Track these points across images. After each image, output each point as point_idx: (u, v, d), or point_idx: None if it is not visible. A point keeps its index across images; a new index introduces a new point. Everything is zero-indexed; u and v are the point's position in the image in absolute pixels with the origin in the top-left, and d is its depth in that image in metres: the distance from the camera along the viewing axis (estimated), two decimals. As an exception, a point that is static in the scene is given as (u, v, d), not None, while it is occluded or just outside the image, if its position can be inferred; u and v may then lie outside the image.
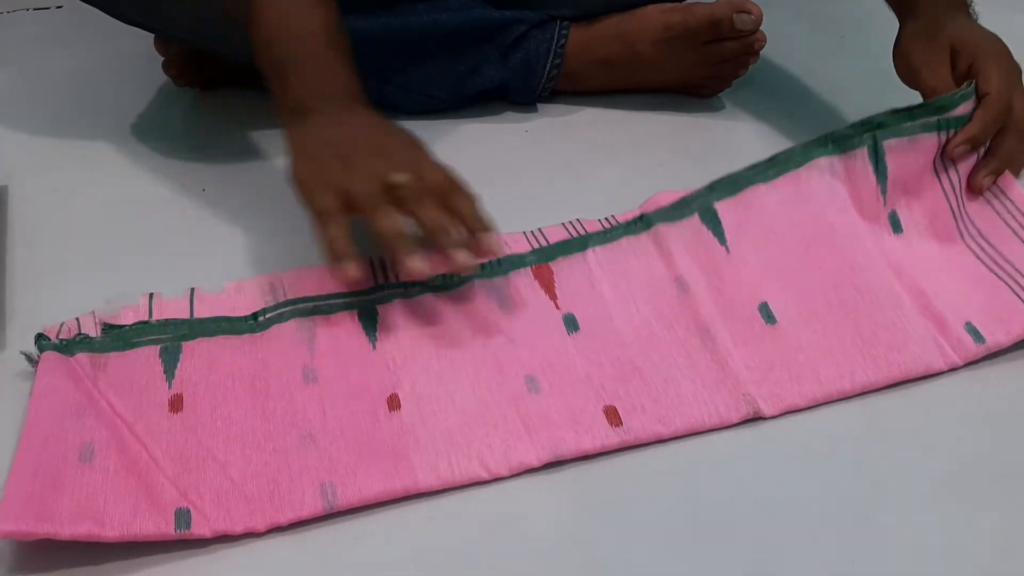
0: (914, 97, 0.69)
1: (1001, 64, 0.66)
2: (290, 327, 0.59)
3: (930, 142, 0.65)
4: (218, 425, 0.54)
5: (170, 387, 0.56)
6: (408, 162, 0.59)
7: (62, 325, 0.59)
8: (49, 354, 0.56)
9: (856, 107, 0.79)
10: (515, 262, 0.64)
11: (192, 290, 0.63)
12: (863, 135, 0.65)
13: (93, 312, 0.60)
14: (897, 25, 0.73)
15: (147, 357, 0.58)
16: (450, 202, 0.57)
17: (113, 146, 0.82)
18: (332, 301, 0.61)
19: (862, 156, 0.65)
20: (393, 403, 0.56)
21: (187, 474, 0.51)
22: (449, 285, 0.62)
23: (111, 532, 0.48)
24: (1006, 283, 0.62)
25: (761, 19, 0.80)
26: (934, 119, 0.65)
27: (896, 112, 0.65)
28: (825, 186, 0.65)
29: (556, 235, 0.66)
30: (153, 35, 0.84)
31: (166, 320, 0.60)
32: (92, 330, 0.59)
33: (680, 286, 0.62)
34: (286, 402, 0.55)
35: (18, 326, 0.62)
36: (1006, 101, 0.65)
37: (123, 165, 0.80)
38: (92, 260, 0.69)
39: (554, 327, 0.60)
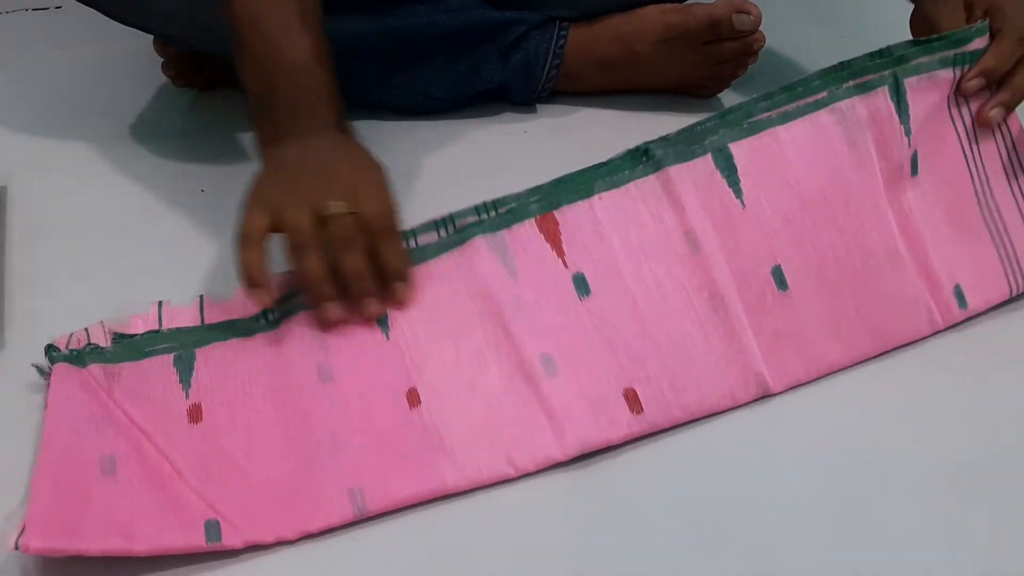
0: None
1: (1013, 3, 0.66)
2: (300, 321, 0.59)
3: (947, 77, 0.64)
4: (239, 434, 0.54)
5: (187, 397, 0.55)
6: (351, 189, 0.58)
7: (71, 336, 0.59)
8: (61, 365, 0.56)
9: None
10: (518, 212, 0.61)
11: (201, 297, 0.62)
12: (883, 73, 0.63)
13: (102, 321, 0.60)
14: (897, 24, 0.73)
15: (161, 366, 0.57)
16: (377, 243, 0.58)
17: (112, 146, 0.82)
18: None
19: (883, 96, 0.62)
20: (413, 398, 0.55)
21: (213, 485, 0.51)
22: (450, 243, 0.60)
23: (141, 546, 0.47)
24: (995, 245, 0.63)
25: (760, 19, 0.80)
26: (951, 53, 0.64)
27: (915, 43, 0.64)
28: (845, 133, 0.62)
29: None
30: (152, 36, 0.84)
31: (177, 328, 0.59)
32: (102, 339, 0.59)
33: (691, 243, 0.60)
34: (305, 404, 0.55)
35: (17, 326, 0.62)
36: (1020, 33, 0.65)
37: (122, 165, 0.80)
38: (91, 260, 0.69)
39: (564, 290, 0.59)
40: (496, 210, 0.62)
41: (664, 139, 0.63)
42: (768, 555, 0.49)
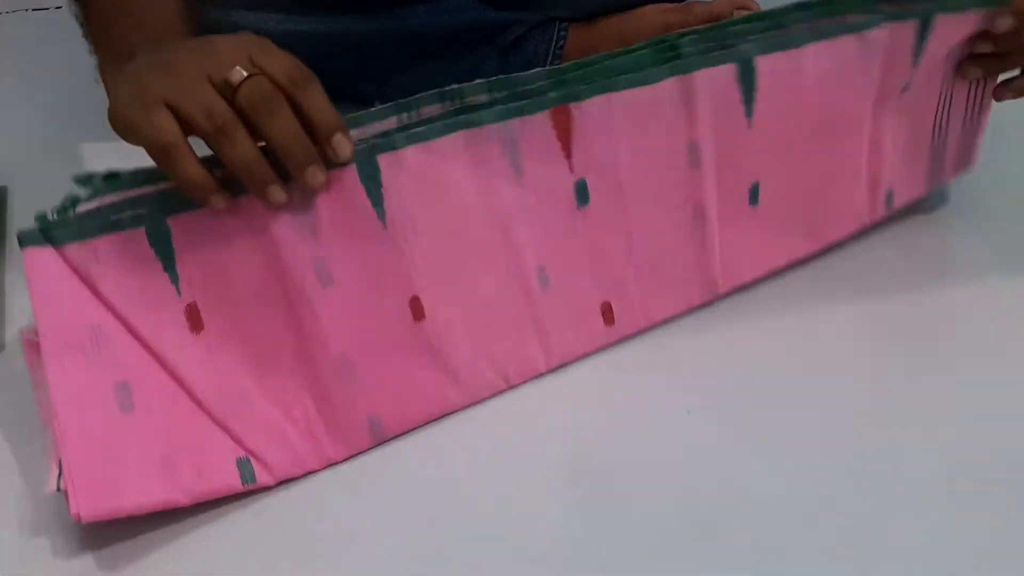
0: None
1: None
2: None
3: (975, 17, 0.60)
4: (246, 348, 0.51)
5: (179, 293, 0.50)
6: (239, 53, 0.48)
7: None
8: (34, 254, 0.49)
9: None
10: (535, 101, 0.55)
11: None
12: (923, 7, 0.59)
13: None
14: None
15: (137, 246, 0.50)
16: (299, 98, 0.48)
17: (112, 146, 0.81)
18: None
19: (911, 27, 0.60)
20: (417, 310, 0.54)
21: (232, 414, 0.50)
22: (456, 124, 0.54)
23: (184, 497, 0.47)
24: (932, 160, 0.66)
25: (760, 19, 0.80)
26: None
27: None
28: (862, 57, 0.60)
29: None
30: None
31: (135, 172, 0.52)
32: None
33: (693, 156, 0.58)
34: (309, 312, 0.51)
35: (17, 326, 0.62)
36: None
37: (122, 166, 0.79)
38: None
39: (565, 197, 0.57)
40: (510, 90, 0.56)
41: (695, 32, 0.59)
42: (768, 555, 0.49)
